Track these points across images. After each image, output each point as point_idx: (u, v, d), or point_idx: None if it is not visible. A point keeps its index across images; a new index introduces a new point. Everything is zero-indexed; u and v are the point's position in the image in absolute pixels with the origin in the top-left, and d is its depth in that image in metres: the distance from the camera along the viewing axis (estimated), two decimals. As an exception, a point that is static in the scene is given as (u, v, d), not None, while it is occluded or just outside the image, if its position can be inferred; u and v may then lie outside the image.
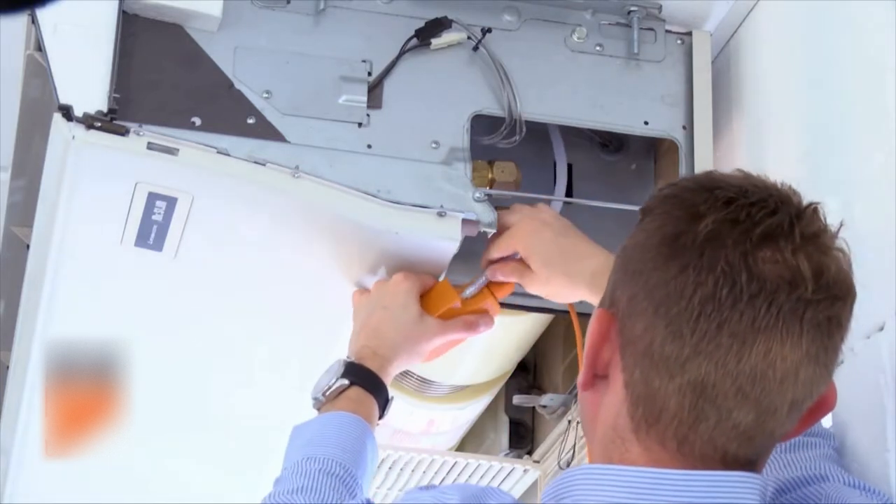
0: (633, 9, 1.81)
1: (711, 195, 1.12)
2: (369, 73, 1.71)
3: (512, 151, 1.74)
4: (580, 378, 1.17)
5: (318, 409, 1.55)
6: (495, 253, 1.65)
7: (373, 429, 1.52)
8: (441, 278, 1.70)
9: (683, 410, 1.10)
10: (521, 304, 1.75)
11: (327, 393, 1.54)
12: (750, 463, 1.13)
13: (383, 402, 1.56)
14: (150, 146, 1.60)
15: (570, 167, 1.87)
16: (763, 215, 1.11)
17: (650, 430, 1.12)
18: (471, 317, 1.66)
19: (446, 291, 1.67)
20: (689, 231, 1.10)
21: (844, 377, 1.50)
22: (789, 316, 1.09)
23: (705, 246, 1.09)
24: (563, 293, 1.61)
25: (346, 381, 1.54)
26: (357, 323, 1.65)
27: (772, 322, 1.08)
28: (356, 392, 1.54)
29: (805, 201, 1.14)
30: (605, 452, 1.15)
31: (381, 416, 1.57)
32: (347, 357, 1.59)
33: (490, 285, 1.67)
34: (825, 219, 1.14)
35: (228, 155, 1.63)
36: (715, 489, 1.11)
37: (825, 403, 1.15)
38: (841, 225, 1.15)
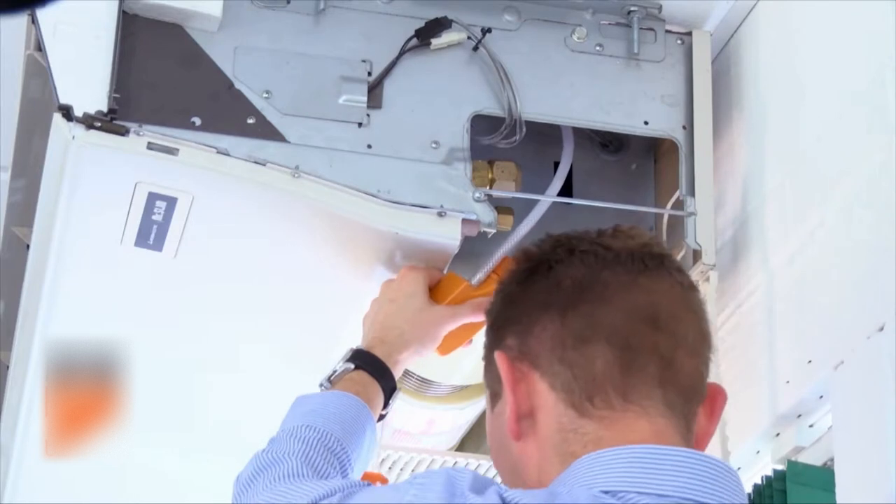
0: (633, 9, 1.81)
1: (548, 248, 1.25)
2: (369, 73, 1.71)
3: (512, 151, 1.74)
4: (510, 430, 1.19)
5: None
6: None
7: (375, 416, 1.52)
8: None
9: (610, 363, 1.16)
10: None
11: (332, 378, 1.54)
12: (686, 410, 1.18)
13: (389, 391, 1.55)
14: (150, 146, 1.61)
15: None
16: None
17: (595, 402, 1.15)
18: (480, 299, 1.65)
19: (454, 280, 1.66)
20: (543, 261, 1.23)
21: (844, 377, 1.50)
22: (652, 265, 1.21)
23: (553, 260, 1.22)
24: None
25: (350, 365, 1.54)
26: (366, 324, 1.66)
27: (638, 269, 1.20)
28: (360, 375, 1.54)
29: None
30: (562, 459, 1.16)
31: (385, 405, 1.56)
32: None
33: (498, 270, 1.67)
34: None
35: (228, 155, 1.63)
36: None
37: (718, 396, 1.22)
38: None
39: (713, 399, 1.21)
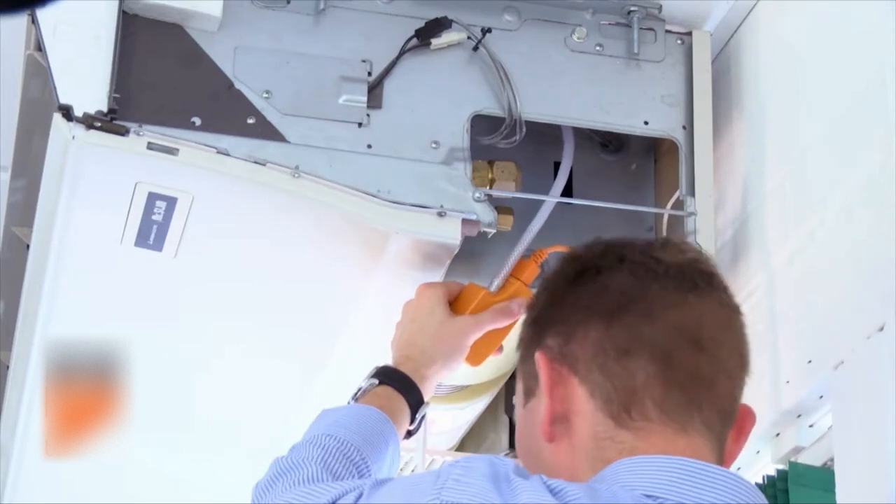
0: (633, 9, 1.81)
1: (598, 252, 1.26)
2: (369, 73, 1.71)
3: (512, 151, 1.74)
4: (543, 432, 1.19)
5: None
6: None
7: (400, 432, 1.51)
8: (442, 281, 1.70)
9: (651, 378, 1.16)
10: (520, 303, 1.75)
11: (358, 395, 1.54)
12: (721, 433, 1.18)
13: (415, 405, 1.55)
14: (150, 146, 1.61)
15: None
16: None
17: (632, 413, 1.16)
18: (501, 304, 1.65)
19: (473, 290, 1.66)
20: (591, 265, 1.23)
21: (844, 377, 1.50)
22: (702, 283, 1.21)
23: (602, 266, 1.22)
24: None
25: (375, 381, 1.54)
26: (393, 347, 1.65)
27: (687, 286, 1.20)
28: (385, 390, 1.53)
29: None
30: (593, 465, 1.16)
31: (412, 421, 1.55)
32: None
33: (515, 272, 1.67)
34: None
35: (228, 155, 1.63)
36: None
37: (748, 417, 1.22)
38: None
39: (742, 420, 1.21)
